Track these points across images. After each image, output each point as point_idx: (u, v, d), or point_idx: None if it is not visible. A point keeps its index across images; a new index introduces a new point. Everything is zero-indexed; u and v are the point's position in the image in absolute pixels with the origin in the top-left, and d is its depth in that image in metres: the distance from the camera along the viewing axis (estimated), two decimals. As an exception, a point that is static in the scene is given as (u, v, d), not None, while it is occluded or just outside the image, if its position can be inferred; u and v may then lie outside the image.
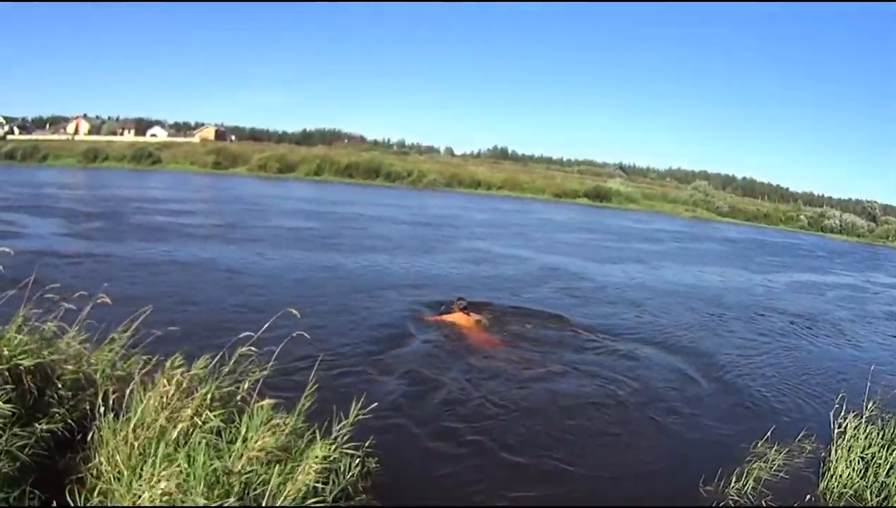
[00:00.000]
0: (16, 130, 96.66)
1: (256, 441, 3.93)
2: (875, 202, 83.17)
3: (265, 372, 4.50)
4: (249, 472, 3.83)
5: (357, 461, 4.26)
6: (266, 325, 4.64)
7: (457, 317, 10.39)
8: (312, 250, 17.51)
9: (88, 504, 3.80)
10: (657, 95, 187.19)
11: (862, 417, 6.25)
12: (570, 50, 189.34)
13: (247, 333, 4.60)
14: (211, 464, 3.77)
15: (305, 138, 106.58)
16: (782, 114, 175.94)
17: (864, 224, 73.09)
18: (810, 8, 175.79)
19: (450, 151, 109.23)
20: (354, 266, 15.51)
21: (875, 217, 77.79)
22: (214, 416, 4.07)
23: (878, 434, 6.15)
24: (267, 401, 4.17)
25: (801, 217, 73.89)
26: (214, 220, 23.36)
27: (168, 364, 4.37)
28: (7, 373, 4.06)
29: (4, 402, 3.82)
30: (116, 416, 4.16)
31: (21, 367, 4.13)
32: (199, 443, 3.88)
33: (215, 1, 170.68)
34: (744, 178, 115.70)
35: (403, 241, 21.20)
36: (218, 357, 4.47)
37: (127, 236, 17.38)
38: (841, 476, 5.84)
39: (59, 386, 4.27)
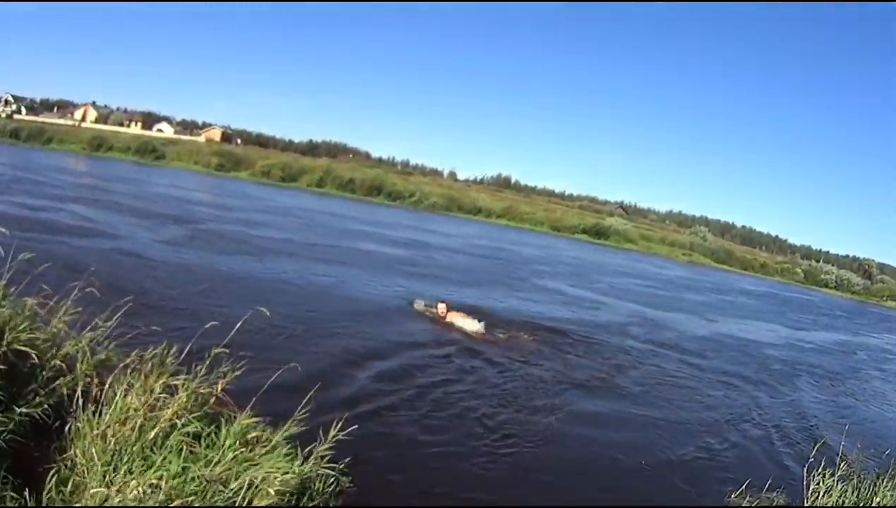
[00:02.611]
0: (23, 110, 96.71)
1: (232, 452, 3.90)
2: (872, 260, 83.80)
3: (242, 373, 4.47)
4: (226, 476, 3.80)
5: (332, 480, 4.24)
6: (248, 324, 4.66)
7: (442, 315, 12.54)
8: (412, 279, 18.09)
9: (61, 496, 3.75)
10: (663, 138, 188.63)
11: (835, 476, 6.19)
12: (581, 85, 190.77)
13: (213, 322, 4.71)
14: (187, 469, 3.75)
15: (311, 149, 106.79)
16: (787, 165, 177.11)
17: (859, 281, 73.53)
18: (820, 58, 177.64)
19: (453, 175, 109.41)
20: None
21: (871, 274, 78.30)
22: (193, 419, 4.04)
23: (853, 493, 6.11)
24: (246, 414, 4.15)
25: (798, 270, 74.25)
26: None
27: (150, 359, 4.35)
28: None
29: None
30: (95, 409, 4.12)
31: (13, 348, 4.09)
32: (177, 447, 3.86)
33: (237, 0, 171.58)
34: (743, 226, 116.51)
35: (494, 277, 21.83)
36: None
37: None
38: None
39: (42, 368, 4.22)
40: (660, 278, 37.40)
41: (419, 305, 13.27)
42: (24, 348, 4.12)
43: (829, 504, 5.90)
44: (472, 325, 12.10)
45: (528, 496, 6.14)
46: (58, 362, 4.31)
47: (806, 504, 6.00)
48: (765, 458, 8.60)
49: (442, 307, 12.71)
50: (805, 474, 6.16)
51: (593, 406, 9.42)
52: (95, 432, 3.99)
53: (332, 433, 4.24)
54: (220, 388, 4.32)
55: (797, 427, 10.48)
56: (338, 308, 12.57)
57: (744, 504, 5.77)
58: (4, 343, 4.05)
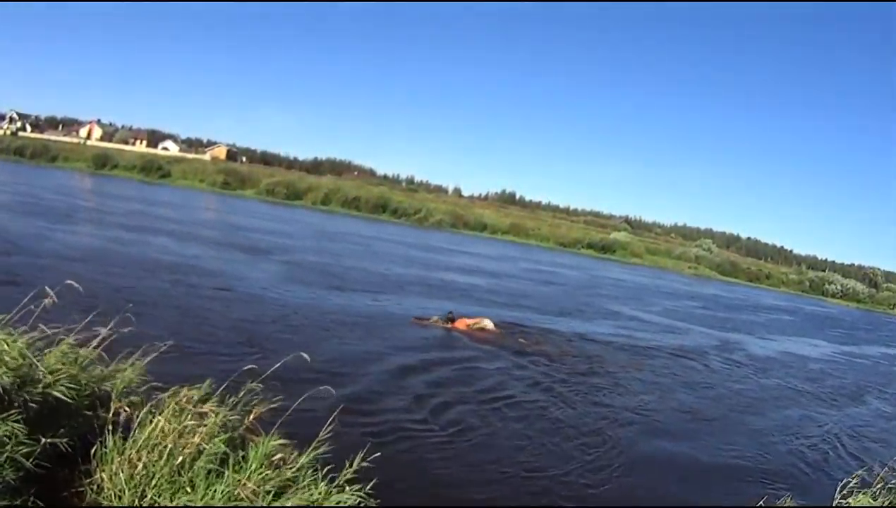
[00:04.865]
0: (28, 127, 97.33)
1: (259, 474, 3.89)
2: (877, 269, 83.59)
3: (279, 406, 4.47)
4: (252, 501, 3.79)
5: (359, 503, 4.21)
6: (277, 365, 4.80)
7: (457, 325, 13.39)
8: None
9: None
10: (667, 151, 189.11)
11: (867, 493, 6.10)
12: (585, 99, 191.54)
13: (251, 366, 4.78)
14: (215, 490, 3.76)
15: (315, 166, 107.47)
16: (791, 176, 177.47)
17: (864, 289, 73.29)
18: (826, 65, 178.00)
19: (458, 192, 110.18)
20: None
21: (877, 283, 78.08)
22: (220, 443, 4.03)
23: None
24: (274, 437, 4.14)
25: (804, 280, 74.10)
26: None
27: (182, 391, 4.40)
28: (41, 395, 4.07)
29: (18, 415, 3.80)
30: (123, 435, 4.16)
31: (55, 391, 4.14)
32: (204, 470, 3.87)
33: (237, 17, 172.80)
34: (748, 238, 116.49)
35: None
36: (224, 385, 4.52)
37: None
38: None
39: (74, 400, 4.24)
40: (701, 297, 38.89)
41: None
42: (67, 386, 4.16)
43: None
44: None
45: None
46: (89, 391, 4.35)
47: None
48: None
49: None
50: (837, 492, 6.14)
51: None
52: (123, 458, 4.02)
53: (360, 454, 4.21)
54: (252, 417, 4.32)
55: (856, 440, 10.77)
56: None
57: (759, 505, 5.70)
58: (41, 386, 4.08)
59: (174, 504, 3.78)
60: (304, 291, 15.30)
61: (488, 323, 13.51)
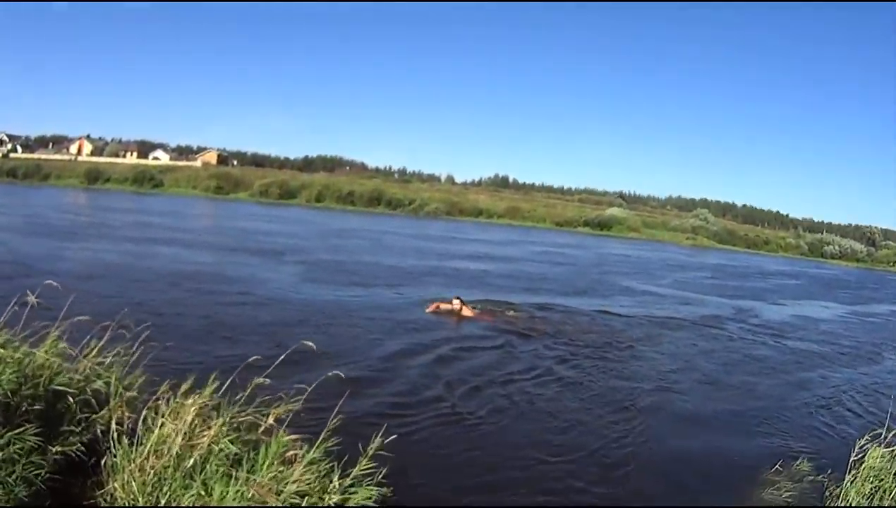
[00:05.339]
0: (18, 148, 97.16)
1: (272, 472, 3.90)
2: (875, 227, 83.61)
3: (296, 405, 4.44)
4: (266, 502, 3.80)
5: (373, 490, 4.21)
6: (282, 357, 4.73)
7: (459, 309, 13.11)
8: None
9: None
10: (658, 123, 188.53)
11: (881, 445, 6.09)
12: (571, 77, 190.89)
13: (255, 357, 4.68)
14: (228, 492, 3.77)
15: (307, 165, 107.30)
16: (783, 139, 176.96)
17: (862, 249, 73.38)
18: (811, 31, 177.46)
19: (451, 179, 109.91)
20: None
21: (875, 242, 78.15)
22: (231, 443, 4.04)
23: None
24: (283, 433, 4.14)
25: (802, 243, 74.15)
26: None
27: (183, 388, 4.37)
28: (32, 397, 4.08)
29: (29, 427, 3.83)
30: (130, 441, 4.15)
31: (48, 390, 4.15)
32: (217, 472, 3.88)
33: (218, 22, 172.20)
34: (744, 205, 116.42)
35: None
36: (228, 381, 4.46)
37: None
38: (849, 496, 5.75)
39: (75, 406, 4.26)
40: (707, 267, 38.71)
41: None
42: (59, 387, 4.18)
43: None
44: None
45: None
46: (91, 398, 4.36)
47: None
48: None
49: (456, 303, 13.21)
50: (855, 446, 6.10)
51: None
52: (133, 465, 4.00)
53: (373, 443, 4.20)
54: (270, 419, 4.30)
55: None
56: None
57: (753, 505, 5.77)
58: (41, 385, 4.11)
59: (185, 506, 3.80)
60: (329, 290, 15.22)
61: (456, 304, 13.24)
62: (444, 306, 13.30)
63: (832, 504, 5.78)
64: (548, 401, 8.42)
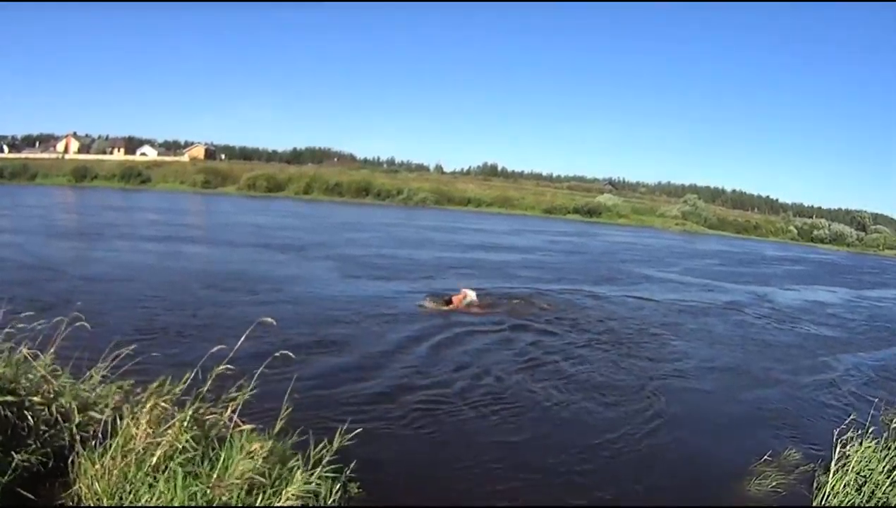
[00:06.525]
0: (5, 148, 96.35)
1: (235, 468, 3.83)
2: (864, 211, 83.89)
3: (252, 396, 4.38)
4: (229, 499, 3.74)
5: (339, 486, 4.15)
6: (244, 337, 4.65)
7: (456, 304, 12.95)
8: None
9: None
10: (646, 110, 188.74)
11: (863, 437, 6.08)
12: (559, 65, 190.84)
13: (220, 347, 4.58)
14: (191, 490, 3.72)
15: (296, 157, 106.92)
16: (772, 124, 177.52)
17: (852, 232, 73.62)
18: (800, 16, 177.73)
19: (439, 168, 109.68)
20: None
21: (864, 226, 78.44)
22: (192, 440, 4.00)
23: (881, 452, 5.98)
24: (247, 427, 4.08)
25: (791, 228, 74.35)
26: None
27: (151, 388, 4.30)
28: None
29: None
30: (95, 444, 4.10)
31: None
32: (180, 470, 3.82)
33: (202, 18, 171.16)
34: (734, 191, 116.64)
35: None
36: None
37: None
38: (837, 493, 5.72)
39: (34, 419, 4.17)
40: (713, 254, 39.06)
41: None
42: (11, 398, 4.09)
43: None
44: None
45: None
46: (55, 404, 4.28)
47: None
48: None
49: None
50: (836, 436, 6.08)
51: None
52: (97, 466, 3.97)
53: (337, 439, 4.14)
54: (229, 412, 4.23)
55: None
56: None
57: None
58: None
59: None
60: (363, 285, 15.54)
61: (472, 295, 13.24)
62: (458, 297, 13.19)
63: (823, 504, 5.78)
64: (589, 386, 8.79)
